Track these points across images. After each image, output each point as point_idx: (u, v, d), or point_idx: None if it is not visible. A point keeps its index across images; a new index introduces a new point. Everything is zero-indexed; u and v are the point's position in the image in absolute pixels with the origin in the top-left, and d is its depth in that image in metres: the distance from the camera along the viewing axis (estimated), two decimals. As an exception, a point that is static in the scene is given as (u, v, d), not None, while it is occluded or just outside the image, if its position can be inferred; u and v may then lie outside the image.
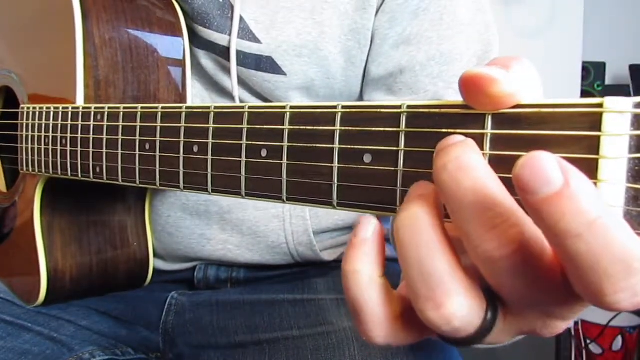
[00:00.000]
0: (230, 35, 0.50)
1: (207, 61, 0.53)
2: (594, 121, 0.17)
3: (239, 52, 0.50)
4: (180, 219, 0.56)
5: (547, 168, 0.15)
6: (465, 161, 0.18)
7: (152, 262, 0.58)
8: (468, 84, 0.19)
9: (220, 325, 0.55)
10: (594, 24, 1.53)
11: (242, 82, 0.53)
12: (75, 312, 0.57)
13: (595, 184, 0.17)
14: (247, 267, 0.58)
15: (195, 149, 0.31)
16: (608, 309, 0.16)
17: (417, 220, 0.19)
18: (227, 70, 0.52)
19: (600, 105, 0.17)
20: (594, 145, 0.17)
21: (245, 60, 0.50)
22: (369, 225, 0.21)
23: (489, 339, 0.20)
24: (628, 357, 1.47)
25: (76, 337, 0.55)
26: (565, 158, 0.18)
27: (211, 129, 0.30)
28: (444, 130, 0.21)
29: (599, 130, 0.17)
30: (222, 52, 0.51)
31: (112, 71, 0.48)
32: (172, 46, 0.52)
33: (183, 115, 0.31)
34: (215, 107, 0.30)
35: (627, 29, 1.61)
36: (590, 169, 0.17)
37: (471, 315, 0.19)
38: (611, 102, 0.17)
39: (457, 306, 0.18)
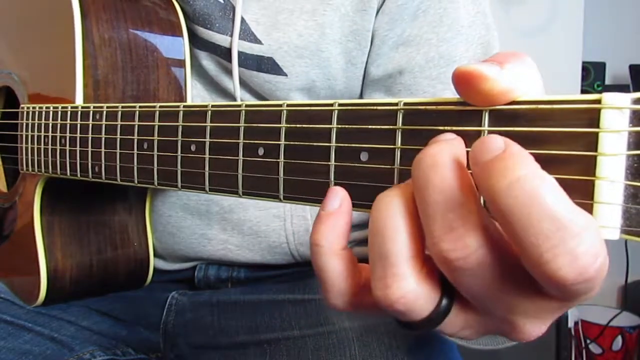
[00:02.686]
0: (231, 36, 0.50)
1: (208, 62, 0.53)
2: (592, 118, 0.17)
3: (240, 53, 0.50)
4: (181, 219, 0.56)
5: (493, 141, 0.17)
6: (439, 159, 0.18)
7: (153, 262, 0.58)
8: (460, 80, 0.19)
9: (221, 326, 0.55)
10: (594, 24, 1.53)
11: (243, 83, 0.53)
12: (75, 312, 0.57)
13: (593, 181, 0.17)
14: (247, 267, 0.58)
15: (193, 147, 0.31)
16: (554, 280, 0.16)
17: (387, 204, 0.19)
18: (228, 72, 0.52)
19: (599, 102, 0.17)
20: (592, 142, 0.17)
21: (247, 61, 0.50)
22: (336, 198, 0.22)
23: (449, 330, 0.21)
24: (628, 357, 1.47)
25: (77, 337, 0.55)
26: (563, 155, 0.18)
27: (208, 127, 0.30)
28: (440, 128, 0.21)
29: (597, 126, 0.17)
30: (223, 53, 0.51)
31: (111, 71, 0.48)
32: (172, 46, 0.52)
33: (181, 114, 0.31)
34: (213, 106, 0.29)
35: (627, 29, 1.61)
36: (589, 166, 0.17)
37: (418, 303, 0.19)
38: (609, 98, 0.17)
39: (403, 291, 0.19)
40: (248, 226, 0.55)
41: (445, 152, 0.18)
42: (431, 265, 0.19)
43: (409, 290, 0.19)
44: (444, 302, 0.20)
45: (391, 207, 0.19)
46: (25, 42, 0.56)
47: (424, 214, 0.18)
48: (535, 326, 0.20)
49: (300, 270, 0.57)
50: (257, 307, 0.54)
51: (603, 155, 0.17)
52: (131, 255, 0.57)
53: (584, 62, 1.49)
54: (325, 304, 0.23)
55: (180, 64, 0.52)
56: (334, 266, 0.21)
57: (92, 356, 0.54)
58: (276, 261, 0.56)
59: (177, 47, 0.52)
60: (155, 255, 0.59)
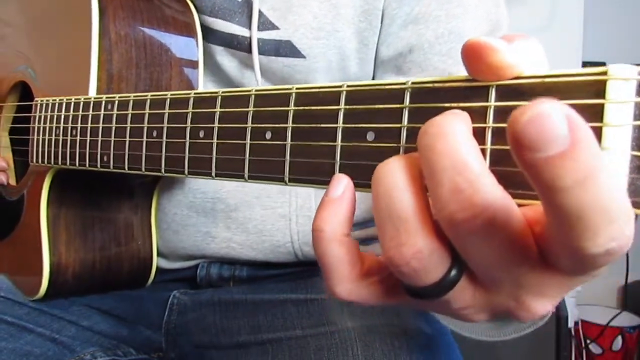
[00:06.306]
0: (249, 28, 0.50)
1: (222, 57, 0.53)
2: (599, 89, 0.17)
3: (258, 40, 0.50)
4: (187, 217, 0.56)
5: (556, 126, 0.14)
6: (445, 128, 0.18)
7: (156, 261, 0.58)
8: (469, 52, 0.19)
9: (223, 325, 0.55)
10: (594, 24, 1.53)
11: (261, 72, 0.53)
12: (76, 312, 0.57)
13: None
14: (249, 265, 0.58)
15: (201, 134, 0.31)
16: (587, 261, 0.17)
17: (391, 166, 0.20)
18: (244, 64, 0.53)
19: (605, 73, 0.17)
20: (598, 113, 0.17)
21: (265, 47, 0.51)
22: (339, 185, 0.22)
23: (457, 305, 0.21)
24: (628, 357, 1.44)
25: (77, 338, 0.55)
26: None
27: (217, 113, 0.30)
28: (447, 105, 0.21)
29: (604, 98, 0.17)
30: (240, 44, 0.51)
31: (125, 66, 0.49)
32: (186, 46, 0.53)
33: (191, 100, 0.32)
34: (223, 92, 0.30)
35: (627, 29, 1.61)
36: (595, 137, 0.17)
37: (432, 261, 0.19)
38: (616, 70, 0.17)
39: (418, 247, 0.19)
40: (253, 224, 0.55)
41: (451, 120, 0.18)
42: (441, 232, 0.19)
43: (424, 245, 0.19)
44: (454, 270, 0.20)
45: (394, 171, 0.20)
46: (43, 39, 0.57)
47: (431, 181, 0.18)
48: (541, 303, 0.20)
49: (303, 270, 0.57)
50: (259, 307, 0.54)
51: (609, 126, 0.17)
52: (135, 254, 0.57)
53: (584, 62, 1.49)
54: (327, 292, 0.22)
55: (194, 64, 0.53)
56: (336, 252, 0.21)
57: (93, 357, 0.54)
58: (278, 260, 0.56)
59: (191, 47, 0.53)
60: (157, 254, 0.59)
